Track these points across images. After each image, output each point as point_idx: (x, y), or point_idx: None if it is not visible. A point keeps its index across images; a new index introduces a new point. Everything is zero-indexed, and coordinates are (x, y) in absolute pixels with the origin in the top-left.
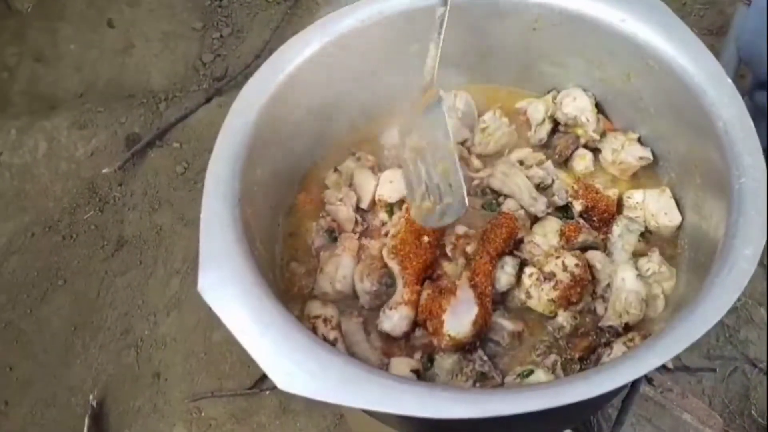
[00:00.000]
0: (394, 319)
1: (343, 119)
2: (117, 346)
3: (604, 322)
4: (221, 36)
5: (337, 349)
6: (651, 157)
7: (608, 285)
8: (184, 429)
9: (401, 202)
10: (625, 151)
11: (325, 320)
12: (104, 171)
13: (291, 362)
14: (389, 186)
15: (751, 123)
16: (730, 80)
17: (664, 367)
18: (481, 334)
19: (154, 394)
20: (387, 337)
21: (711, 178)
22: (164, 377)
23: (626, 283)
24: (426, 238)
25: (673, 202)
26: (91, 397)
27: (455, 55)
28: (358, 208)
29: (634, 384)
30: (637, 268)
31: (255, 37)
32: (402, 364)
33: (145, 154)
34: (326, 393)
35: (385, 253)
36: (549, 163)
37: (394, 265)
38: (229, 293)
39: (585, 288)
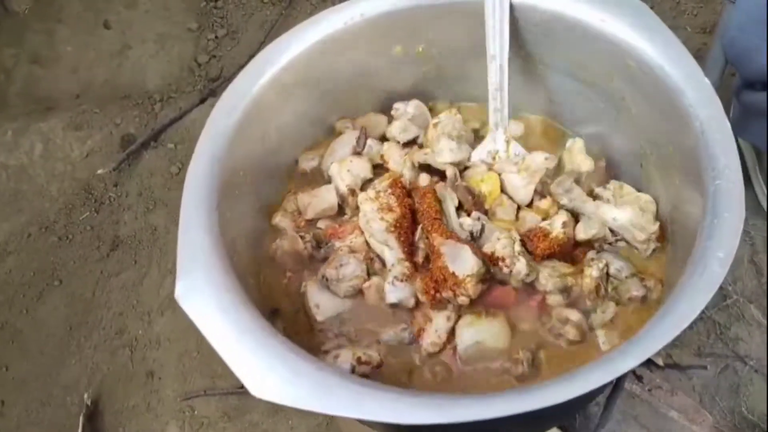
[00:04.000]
0: (406, 291)
1: (329, 121)
2: (112, 345)
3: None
4: (216, 37)
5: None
6: (555, 158)
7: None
8: (177, 427)
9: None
10: (529, 158)
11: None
12: (99, 172)
13: (264, 368)
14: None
15: (728, 124)
16: (708, 80)
17: (654, 364)
18: (485, 261)
19: (147, 393)
20: None
21: (689, 179)
22: (158, 376)
23: (619, 219)
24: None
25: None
26: (85, 396)
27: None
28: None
29: (618, 383)
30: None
31: (250, 38)
32: None
33: (140, 155)
34: (297, 399)
35: (382, 227)
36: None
37: (392, 240)
38: (205, 300)
39: None
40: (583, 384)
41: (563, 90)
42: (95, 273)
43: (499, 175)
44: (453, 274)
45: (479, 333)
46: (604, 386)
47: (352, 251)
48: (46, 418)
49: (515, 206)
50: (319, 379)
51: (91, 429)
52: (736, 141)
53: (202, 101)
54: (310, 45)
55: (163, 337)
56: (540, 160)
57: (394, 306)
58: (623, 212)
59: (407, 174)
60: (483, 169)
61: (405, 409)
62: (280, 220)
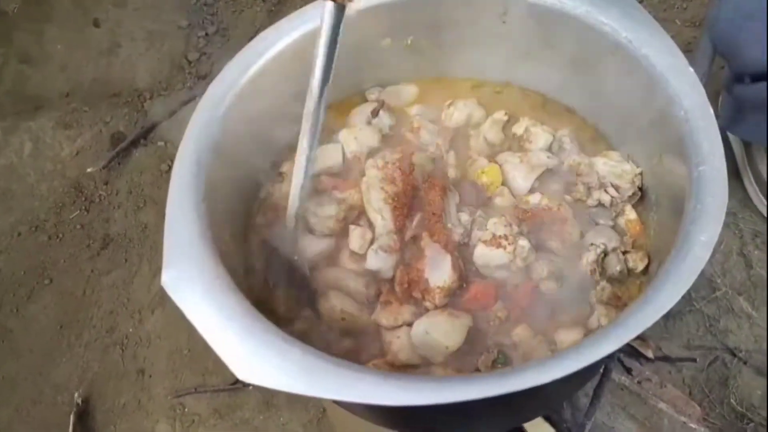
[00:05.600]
0: (388, 262)
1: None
2: (102, 343)
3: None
4: (206, 34)
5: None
6: (556, 158)
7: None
8: (167, 425)
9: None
10: (532, 154)
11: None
12: (89, 170)
13: (251, 354)
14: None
15: (712, 112)
16: (692, 70)
17: (644, 357)
18: (461, 277)
19: (138, 391)
20: None
21: (673, 166)
22: (148, 374)
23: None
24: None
25: None
26: (76, 394)
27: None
28: None
29: (605, 373)
30: None
31: (240, 35)
32: None
33: (130, 153)
34: (285, 383)
35: (380, 196)
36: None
37: (387, 211)
38: (192, 288)
39: None
40: (568, 364)
41: (552, 78)
42: (85, 271)
43: (500, 165)
44: (426, 280)
45: (432, 326)
46: (590, 371)
47: (348, 205)
48: (37, 417)
49: (513, 200)
50: (308, 363)
51: (81, 427)
52: (724, 134)
53: (192, 99)
54: (297, 37)
55: (154, 334)
56: (543, 158)
57: (372, 273)
58: (609, 160)
59: (441, 140)
60: (484, 162)
61: (392, 392)
62: (287, 168)
